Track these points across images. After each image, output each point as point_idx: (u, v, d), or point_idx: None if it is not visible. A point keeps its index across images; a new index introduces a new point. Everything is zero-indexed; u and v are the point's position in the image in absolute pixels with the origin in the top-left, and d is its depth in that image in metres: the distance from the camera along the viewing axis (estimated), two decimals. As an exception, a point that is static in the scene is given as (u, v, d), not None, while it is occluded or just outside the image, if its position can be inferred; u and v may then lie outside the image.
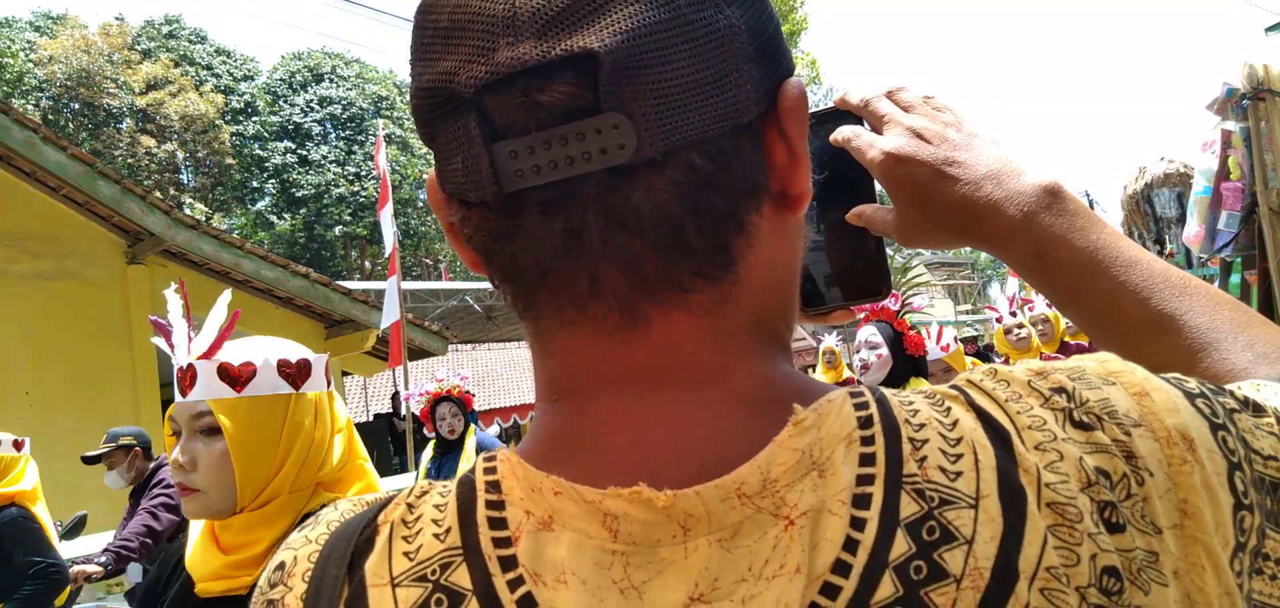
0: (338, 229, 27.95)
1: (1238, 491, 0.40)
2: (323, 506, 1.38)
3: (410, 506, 0.44)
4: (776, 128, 0.41)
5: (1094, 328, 0.57)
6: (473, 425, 4.93)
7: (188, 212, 15.21)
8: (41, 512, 3.38)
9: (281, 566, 0.46)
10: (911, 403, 0.41)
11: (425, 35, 0.40)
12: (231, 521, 1.34)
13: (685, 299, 0.40)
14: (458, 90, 0.38)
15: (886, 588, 0.35)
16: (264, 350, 1.38)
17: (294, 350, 1.41)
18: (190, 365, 1.35)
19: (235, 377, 1.34)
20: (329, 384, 1.46)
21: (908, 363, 3.28)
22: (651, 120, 0.36)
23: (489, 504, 0.41)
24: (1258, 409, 0.44)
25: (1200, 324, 0.53)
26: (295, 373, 1.39)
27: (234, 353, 1.36)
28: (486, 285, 14.58)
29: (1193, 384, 0.43)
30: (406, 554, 0.41)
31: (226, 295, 1.47)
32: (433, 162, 0.43)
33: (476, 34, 0.37)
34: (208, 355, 1.36)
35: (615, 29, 0.36)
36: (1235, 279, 4.20)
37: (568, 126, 0.36)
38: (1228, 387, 0.45)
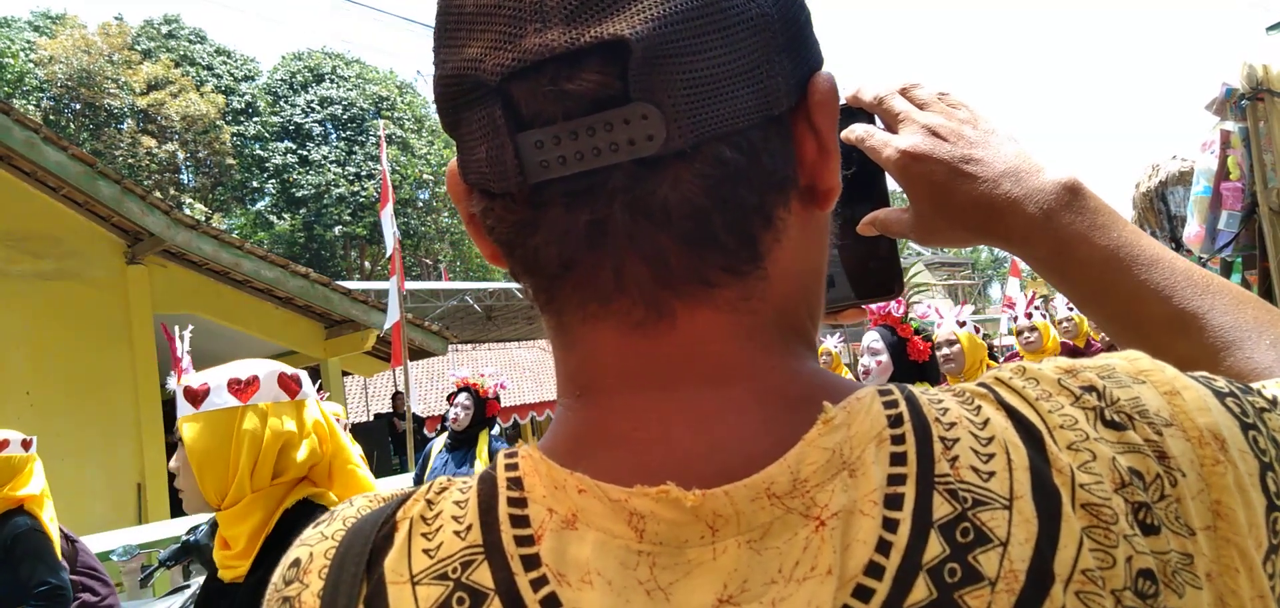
0: (338, 229, 27.92)
1: (1270, 491, 0.39)
2: (304, 500, 1.67)
3: (429, 502, 0.42)
4: (806, 121, 0.41)
5: (1115, 327, 0.56)
6: (486, 429, 4.77)
7: (187, 212, 15.21)
8: (49, 517, 3.29)
9: (297, 562, 0.44)
10: (941, 402, 0.40)
11: (449, 21, 0.39)
12: (220, 517, 1.64)
13: (711, 295, 0.39)
14: (483, 78, 0.37)
15: (920, 591, 0.34)
16: (220, 373, 1.69)
17: (247, 370, 1.70)
18: (174, 393, 1.73)
19: (193, 396, 1.68)
20: (294, 394, 1.74)
21: (911, 369, 3.23)
22: (681, 111, 0.35)
23: (511, 502, 0.40)
24: None
25: (1223, 323, 0.52)
26: (243, 388, 1.68)
27: (197, 378, 1.71)
28: (486, 285, 14.57)
29: (1222, 383, 0.42)
30: (426, 551, 0.40)
31: (189, 329, 1.93)
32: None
33: (503, 20, 0.36)
34: (178, 382, 1.73)
35: (646, 16, 0.35)
36: (1235, 279, 4.20)
37: (596, 116, 0.35)
38: (1255, 385, 0.44)
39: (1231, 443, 0.39)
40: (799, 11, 0.41)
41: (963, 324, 4.30)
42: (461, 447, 4.69)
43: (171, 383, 1.77)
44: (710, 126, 0.36)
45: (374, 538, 0.42)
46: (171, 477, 1.71)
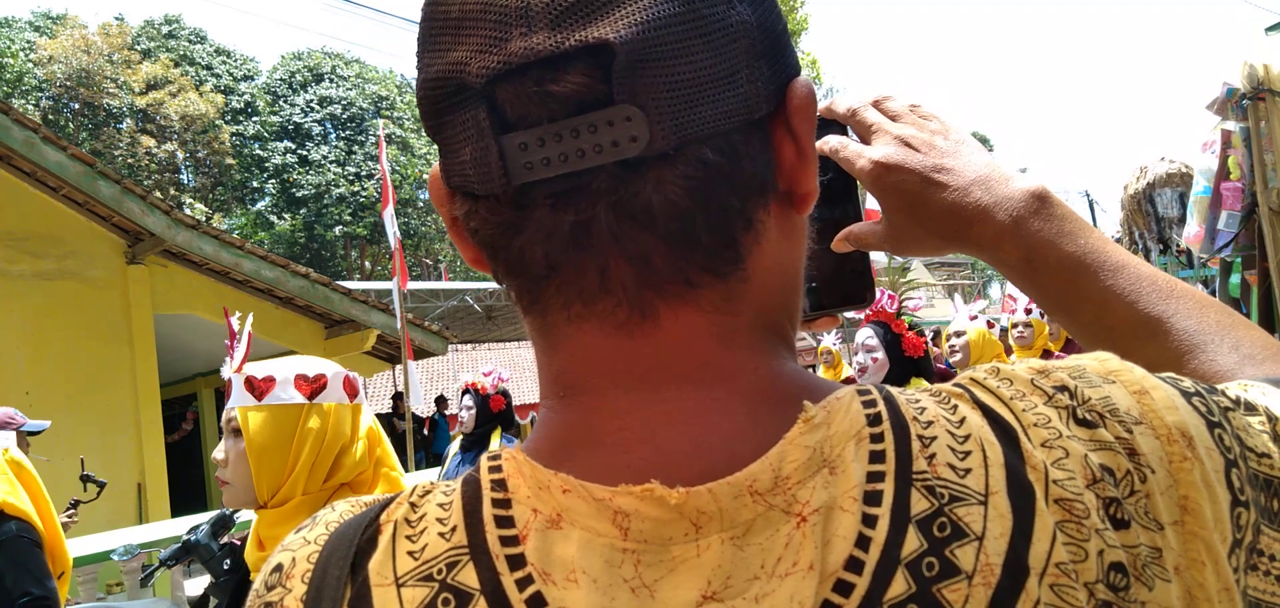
0: (338, 229, 27.94)
1: (1234, 487, 0.40)
2: None
3: (413, 504, 0.43)
4: (785, 126, 0.41)
5: (1083, 332, 0.58)
6: (497, 427, 4.70)
7: (188, 212, 15.22)
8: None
9: (279, 567, 0.44)
10: (918, 401, 0.41)
11: (434, 25, 0.39)
12: (262, 516, 1.61)
13: (694, 295, 0.39)
14: (468, 80, 0.37)
15: (899, 585, 0.35)
16: (286, 367, 1.64)
17: (314, 367, 1.65)
18: (229, 379, 1.66)
19: (257, 388, 1.62)
20: (353, 398, 1.69)
21: (906, 364, 3.26)
22: (664, 113, 0.36)
23: (495, 503, 0.40)
24: (1250, 408, 0.44)
25: (1187, 327, 0.54)
26: (310, 387, 1.63)
27: (260, 369, 1.64)
28: (487, 285, 14.57)
29: (1188, 383, 0.43)
30: (411, 554, 0.40)
31: (250, 317, 1.81)
32: (431, 161, 0.43)
33: (489, 24, 0.37)
34: (238, 370, 1.65)
35: (630, 21, 0.36)
36: (1235, 279, 4.19)
37: (579, 118, 0.36)
38: (1219, 386, 0.45)
39: (1198, 440, 0.40)
40: (776, 20, 0.42)
41: (974, 319, 4.27)
42: (473, 448, 4.70)
43: (226, 370, 1.71)
44: (693, 129, 0.37)
45: (357, 541, 0.42)
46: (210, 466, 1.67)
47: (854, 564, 0.35)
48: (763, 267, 0.41)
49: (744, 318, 0.41)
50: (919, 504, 0.36)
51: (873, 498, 0.37)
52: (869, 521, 0.36)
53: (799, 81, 0.42)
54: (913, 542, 0.36)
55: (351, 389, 1.69)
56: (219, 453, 1.64)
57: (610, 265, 0.38)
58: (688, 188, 0.37)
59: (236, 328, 1.82)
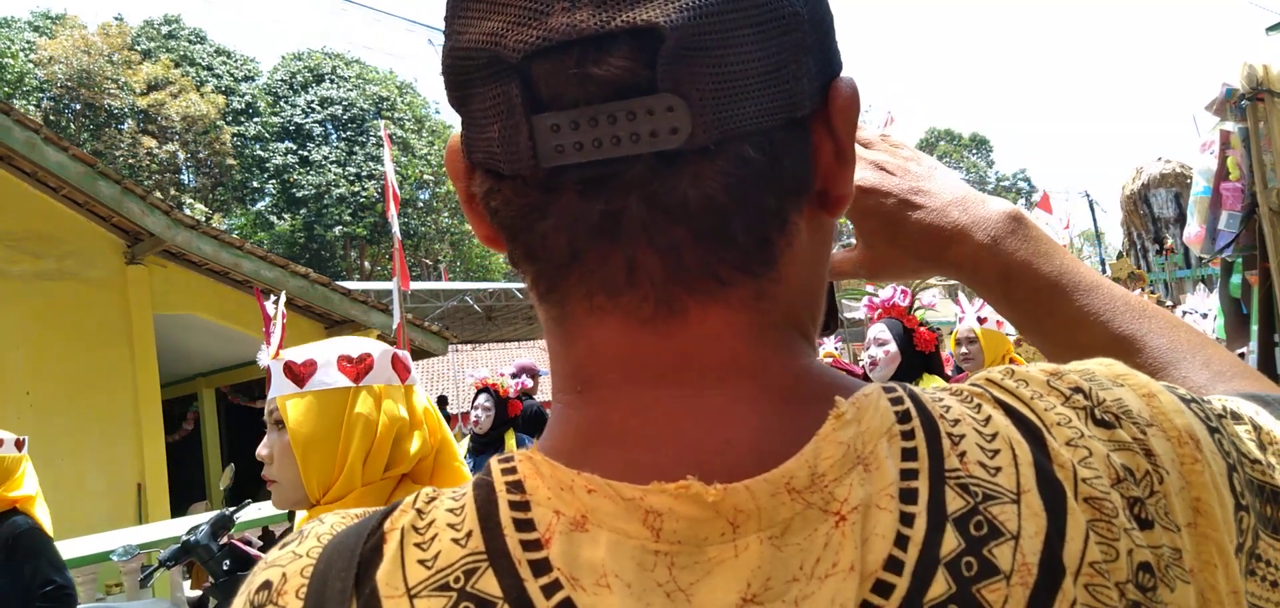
0: (338, 229, 27.93)
1: (1236, 491, 0.41)
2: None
3: (420, 510, 0.40)
4: (825, 126, 0.40)
5: (1058, 351, 0.59)
6: (511, 430, 4.51)
7: (188, 212, 15.21)
8: (42, 514, 3.26)
9: (267, 584, 0.40)
10: (942, 399, 0.40)
11: None
12: (315, 515, 1.47)
13: (724, 293, 0.38)
14: (503, 53, 0.35)
15: (939, 585, 0.34)
16: (327, 349, 1.50)
17: (357, 346, 1.50)
18: (268, 367, 1.51)
19: (297, 374, 1.47)
20: (405, 378, 1.53)
21: (918, 360, 3.29)
22: (708, 105, 0.35)
23: (513, 505, 0.38)
24: (1236, 416, 0.45)
25: (1161, 345, 0.56)
26: (355, 367, 1.48)
27: (300, 353, 1.49)
28: (486, 286, 14.57)
29: (1183, 391, 0.43)
30: (422, 562, 0.38)
31: (283, 296, 1.66)
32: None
33: None
34: (276, 356, 1.51)
35: (681, 4, 0.34)
36: (1236, 279, 4.19)
37: (618, 104, 0.34)
38: (1203, 397, 0.46)
39: (1205, 444, 0.40)
40: (826, 13, 0.40)
41: (983, 320, 4.23)
42: (485, 451, 4.46)
43: (263, 357, 1.55)
44: (735, 124, 0.35)
45: (360, 551, 0.39)
46: (258, 464, 1.51)
47: (893, 564, 0.35)
48: (793, 267, 0.40)
49: (772, 317, 0.40)
50: (954, 502, 0.36)
51: (909, 496, 0.36)
52: (906, 519, 0.35)
53: (843, 80, 0.41)
54: (951, 541, 0.35)
55: (402, 368, 1.53)
56: (263, 450, 1.49)
57: (639, 258, 0.37)
58: (726, 185, 0.36)
59: (270, 311, 1.65)
